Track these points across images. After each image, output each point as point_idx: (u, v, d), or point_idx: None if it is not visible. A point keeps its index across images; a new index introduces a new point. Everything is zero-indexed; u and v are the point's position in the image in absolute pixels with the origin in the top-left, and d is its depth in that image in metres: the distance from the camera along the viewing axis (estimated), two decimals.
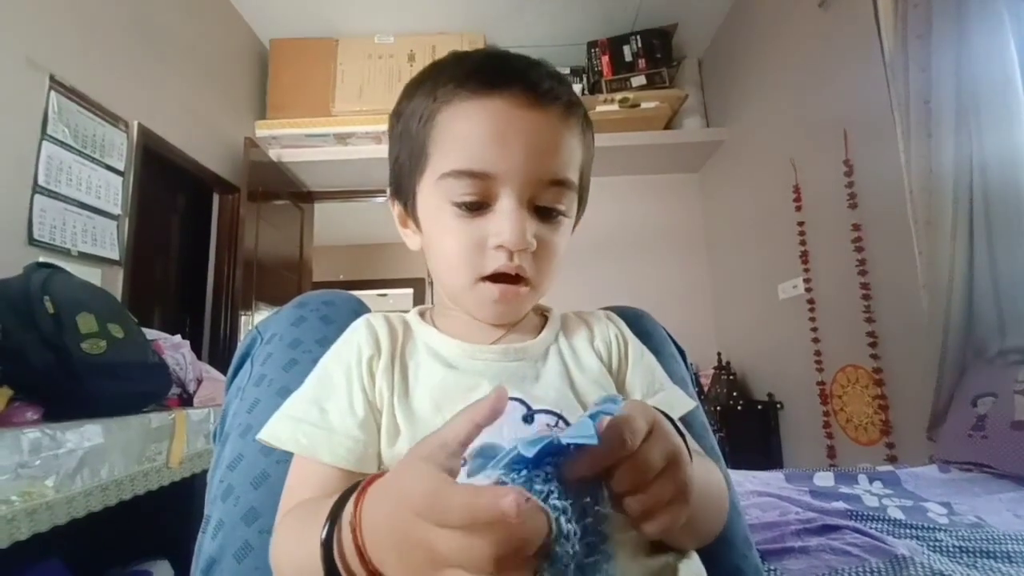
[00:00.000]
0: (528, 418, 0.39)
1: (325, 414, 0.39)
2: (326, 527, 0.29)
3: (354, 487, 0.30)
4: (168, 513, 1.18)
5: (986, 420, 1.28)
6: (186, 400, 1.49)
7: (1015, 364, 1.32)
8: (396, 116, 0.46)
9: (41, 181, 1.58)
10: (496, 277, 0.42)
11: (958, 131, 1.43)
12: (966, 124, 1.42)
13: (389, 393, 0.40)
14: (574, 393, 0.42)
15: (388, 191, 0.50)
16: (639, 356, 0.48)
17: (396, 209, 0.49)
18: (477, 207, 0.41)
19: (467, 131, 0.40)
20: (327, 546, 0.28)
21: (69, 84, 1.69)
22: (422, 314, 0.48)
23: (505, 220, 0.40)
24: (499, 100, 0.39)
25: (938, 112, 1.48)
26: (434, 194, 0.42)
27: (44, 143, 1.59)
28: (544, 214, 0.42)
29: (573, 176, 0.43)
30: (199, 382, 1.55)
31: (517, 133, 0.39)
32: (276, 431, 0.39)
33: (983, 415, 1.30)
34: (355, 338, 0.43)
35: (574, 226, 0.48)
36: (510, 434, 0.37)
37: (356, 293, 0.59)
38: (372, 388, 0.41)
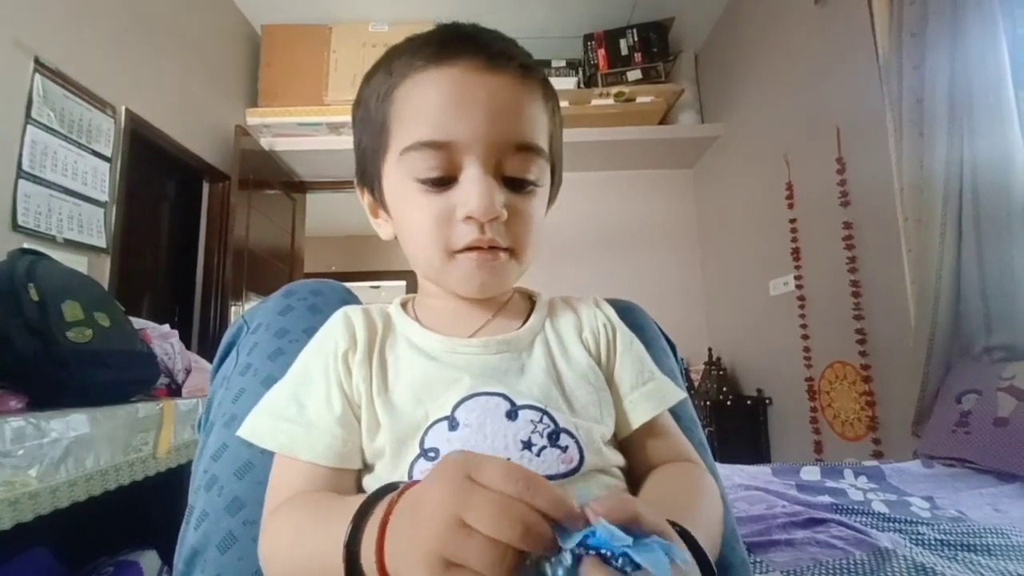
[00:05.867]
0: (512, 414, 0.37)
1: (303, 410, 0.39)
2: (350, 528, 0.29)
3: (388, 488, 0.30)
4: (157, 503, 1.16)
5: (970, 416, 1.30)
6: (175, 390, 1.48)
7: (1000, 362, 1.34)
8: (357, 103, 0.46)
9: (25, 166, 1.55)
10: (470, 251, 0.40)
11: (950, 130, 1.44)
12: (958, 123, 1.43)
13: (367, 387, 0.39)
14: (560, 388, 0.41)
15: (355, 181, 0.48)
16: (628, 344, 0.47)
17: (365, 199, 0.48)
18: (442, 183, 0.39)
19: (425, 101, 0.39)
20: (351, 547, 0.28)
21: (55, 67, 1.65)
22: (404, 304, 0.47)
23: (472, 188, 0.38)
24: (454, 67, 0.39)
25: (931, 111, 1.49)
26: (398, 172, 0.41)
27: (28, 127, 1.56)
28: (515, 185, 0.40)
29: (540, 142, 0.41)
30: (188, 372, 1.53)
31: (475, 97, 0.38)
32: (256, 428, 0.39)
33: (967, 411, 1.32)
34: (332, 332, 0.43)
35: (548, 205, 0.47)
36: (493, 431, 0.36)
37: (349, 285, 0.57)
38: (349, 382, 0.40)
